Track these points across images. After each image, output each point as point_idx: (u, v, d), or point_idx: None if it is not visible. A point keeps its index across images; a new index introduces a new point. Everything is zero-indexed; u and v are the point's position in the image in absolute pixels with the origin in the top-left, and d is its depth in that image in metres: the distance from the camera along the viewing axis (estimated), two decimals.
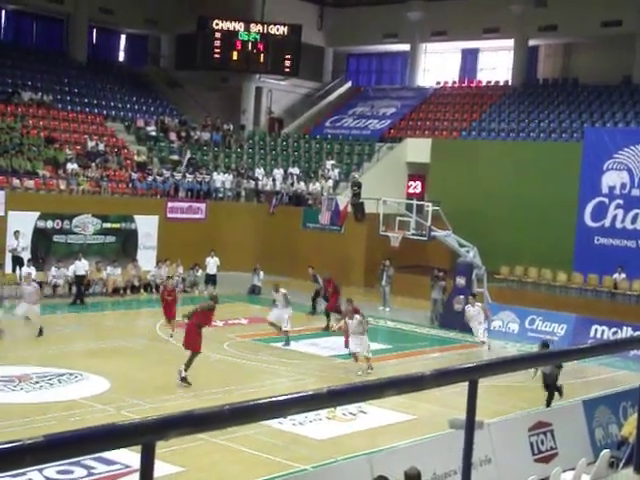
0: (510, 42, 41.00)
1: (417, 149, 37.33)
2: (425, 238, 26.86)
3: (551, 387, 15.70)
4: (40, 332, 20.91)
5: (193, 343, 16.47)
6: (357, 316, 18.16)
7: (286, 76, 44.84)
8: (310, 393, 2.77)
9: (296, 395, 2.73)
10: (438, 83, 43.83)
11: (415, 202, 28.50)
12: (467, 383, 3.17)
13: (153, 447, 2.04)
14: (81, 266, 26.72)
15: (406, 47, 44.74)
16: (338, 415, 14.56)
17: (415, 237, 26.90)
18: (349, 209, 33.04)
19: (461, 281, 25.30)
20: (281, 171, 37.66)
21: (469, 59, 44.60)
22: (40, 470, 10.75)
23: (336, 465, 11.01)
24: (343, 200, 33.56)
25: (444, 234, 26.28)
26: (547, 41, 41.31)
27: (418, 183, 37.70)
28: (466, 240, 26.01)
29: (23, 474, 10.57)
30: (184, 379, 16.18)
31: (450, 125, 39.48)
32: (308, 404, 2.87)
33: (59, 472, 10.96)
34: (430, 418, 14.39)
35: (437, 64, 45.43)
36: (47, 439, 1.81)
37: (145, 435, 2.00)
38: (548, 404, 15.50)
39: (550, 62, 41.96)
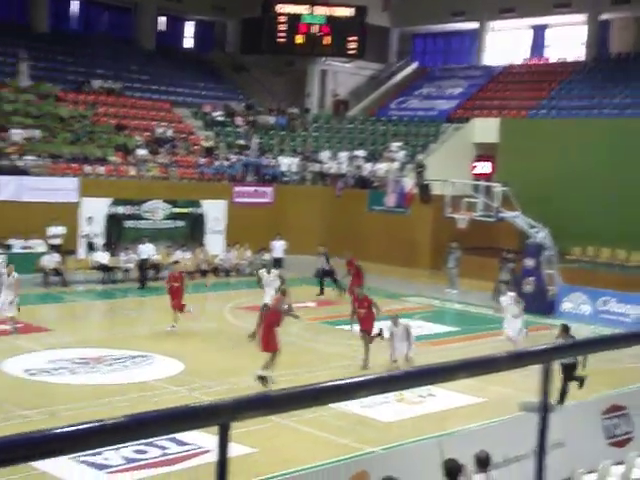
0: (581, 17, 40.05)
1: (485, 129, 36.82)
2: (493, 219, 26.54)
3: (569, 379, 14.28)
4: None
5: (270, 344, 15.49)
6: (401, 321, 17.27)
7: (351, 58, 44.67)
8: (381, 375, 2.77)
9: (368, 378, 2.72)
10: (506, 61, 43.12)
11: (483, 183, 28.15)
12: (539, 365, 3.13)
13: (229, 428, 2.09)
14: (145, 250, 27.20)
15: (474, 25, 44.10)
16: (406, 398, 14.54)
17: (483, 218, 26.60)
18: (415, 191, 32.84)
19: (530, 262, 24.94)
20: (346, 154, 37.60)
21: (538, 35, 43.74)
22: (116, 450, 11.02)
23: (404, 448, 11.01)
24: (409, 182, 33.35)
25: (513, 215, 25.92)
26: (619, 14, 40.22)
27: (486, 164, 37.24)
28: (536, 221, 25.61)
29: (99, 453, 10.87)
30: (262, 378, 15.15)
31: (519, 104, 38.82)
32: (379, 387, 2.86)
33: (135, 452, 11.22)
34: (500, 401, 14.26)
35: (505, 42, 44.66)
36: (128, 419, 1.85)
37: (221, 416, 2.04)
38: (562, 399, 14.14)
39: (623, 36, 40.84)
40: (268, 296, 19.70)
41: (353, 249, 32.66)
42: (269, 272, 21.17)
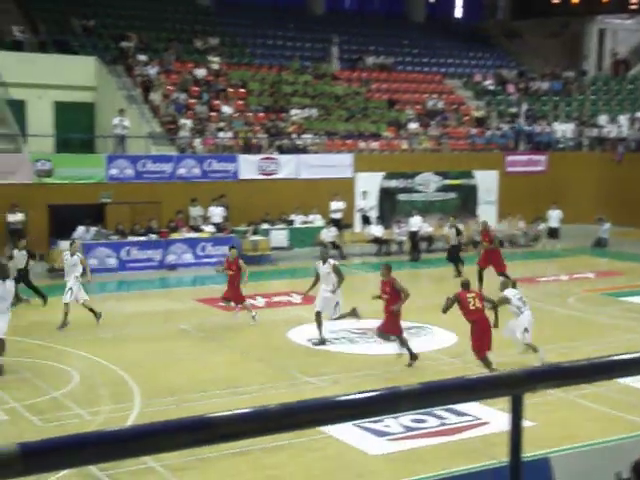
0: None
1: None
2: None
3: None
4: (97, 316, 17.24)
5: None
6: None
7: (633, 14, 41.89)
8: None
9: None
10: None
11: None
12: None
13: (522, 399, 2.04)
14: (414, 222, 27.47)
15: None
16: None
17: None
18: None
19: None
20: (627, 116, 35.43)
21: None
22: (396, 417, 11.29)
23: None
24: None
25: None
26: None
27: None
28: None
29: (380, 420, 11.20)
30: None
31: None
32: None
33: (413, 420, 11.42)
34: None
35: None
36: (423, 386, 1.87)
37: (515, 387, 2.00)
38: None
39: None
40: (323, 294, 15.92)
41: (636, 217, 30.81)
42: (324, 262, 16.19)
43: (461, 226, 25.42)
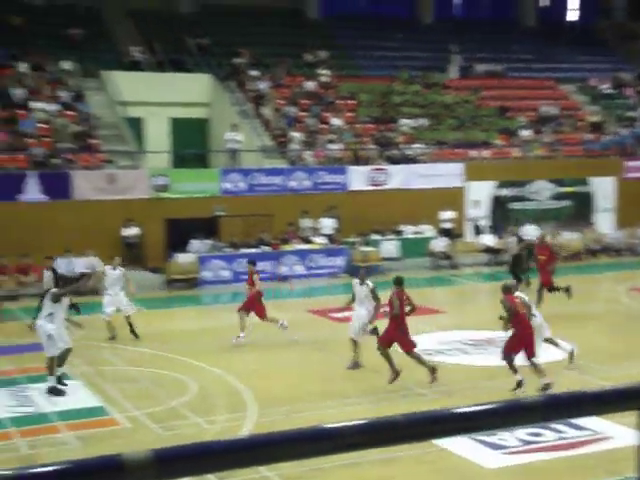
0: None
1: None
2: None
3: None
4: (134, 334, 17.35)
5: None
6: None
7: None
8: None
9: None
10: None
11: None
12: None
13: None
14: (528, 231, 26.89)
15: None
16: None
17: None
18: None
19: None
20: None
21: None
22: (511, 431, 11.06)
23: None
24: None
25: None
26: None
27: None
28: None
29: (495, 434, 10.98)
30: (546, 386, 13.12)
31: None
32: None
33: (529, 434, 11.17)
34: None
35: None
36: (546, 398, 1.84)
37: None
38: None
39: None
40: (358, 318, 14.86)
41: None
42: (362, 283, 14.97)
43: (524, 235, 24.65)
